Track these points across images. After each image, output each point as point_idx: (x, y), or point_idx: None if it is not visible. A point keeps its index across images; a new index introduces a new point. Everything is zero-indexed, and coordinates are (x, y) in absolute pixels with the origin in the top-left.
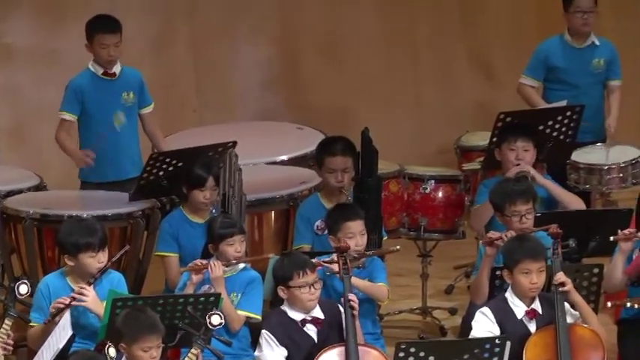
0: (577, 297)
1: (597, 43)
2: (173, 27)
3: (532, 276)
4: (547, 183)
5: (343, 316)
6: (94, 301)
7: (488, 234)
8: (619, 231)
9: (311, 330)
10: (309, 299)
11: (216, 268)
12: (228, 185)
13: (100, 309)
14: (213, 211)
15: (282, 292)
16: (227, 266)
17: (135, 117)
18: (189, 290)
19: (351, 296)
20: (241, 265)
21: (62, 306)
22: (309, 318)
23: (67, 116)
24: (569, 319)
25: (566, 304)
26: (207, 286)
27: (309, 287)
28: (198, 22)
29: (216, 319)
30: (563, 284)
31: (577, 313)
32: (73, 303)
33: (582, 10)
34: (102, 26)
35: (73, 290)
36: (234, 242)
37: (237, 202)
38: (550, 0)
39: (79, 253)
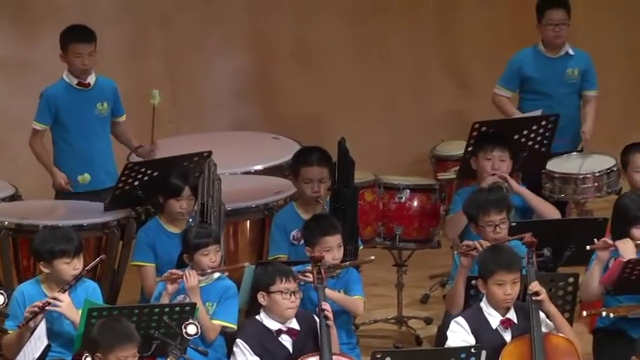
0: (551, 307)
1: (572, 53)
2: (147, 37)
3: (506, 287)
4: (523, 191)
5: (318, 325)
6: (68, 306)
7: (463, 243)
8: (595, 240)
9: (286, 340)
10: (289, 307)
11: (191, 278)
12: (207, 195)
13: (75, 315)
14: (190, 220)
15: (262, 298)
16: (202, 276)
17: (109, 127)
18: (165, 300)
19: (326, 306)
20: (216, 275)
21: (37, 309)
22: (285, 328)
23: (38, 126)
24: (544, 329)
25: (542, 314)
26: (183, 295)
27: (291, 295)
28: (171, 32)
29: (192, 329)
30: (537, 293)
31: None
32: (48, 308)
33: (554, 23)
34: (76, 35)
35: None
36: (209, 252)
37: (216, 211)
38: (526, 10)
39: (55, 260)
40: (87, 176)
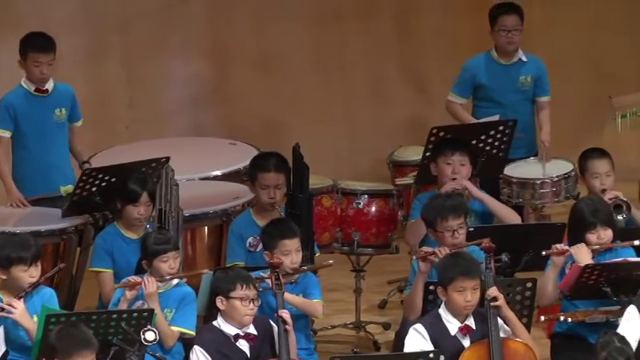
0: (508, 312)
1: (524, 59)
2: (105, 43)
3: (467, 294)
4: (483, 196)
5: (276, 331)
6: (22, 314)
7: (422, 249)
8: (552, 245)
9: (243, 345)
10: (247, 313)
11: (150, 284)
12: (165, 200)
13: (28, 322)
14: (148, 226)
15: (220, 303)
16: (161, 282)
17: (67, 133)
18: (123, 306)
19: (284, 311)
20: (175, 281)
21: None
22: (242, 333)
23: (0, 132)
24: (502, 334)
25: (500, 320)
26: (141, 301)
27: (250, 302)
28: (129, 38)
29: (150, 335)
30: (495, 299)
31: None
32: (1, 314)
33: (507, 29)
34: (36, 44)
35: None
36: (168, 258)
37: (174, 217)
38: (484, 16)
39: (11, 267)
40: (70, 187)
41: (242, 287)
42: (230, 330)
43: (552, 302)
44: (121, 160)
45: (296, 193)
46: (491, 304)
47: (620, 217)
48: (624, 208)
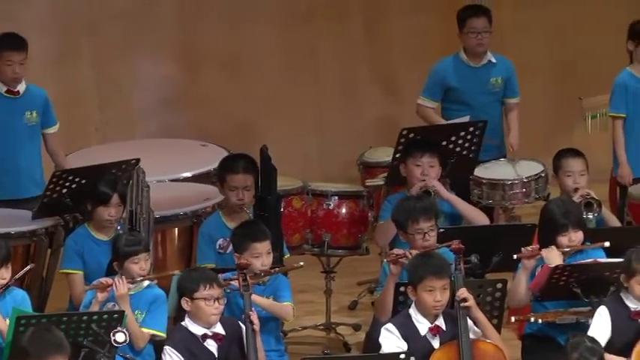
0: (478, 313)
1: (494, 61)
2: (75, 45)
3: (436, 293)
4: (452, 198)
5: (244, 332)
6: None
7: (392, 251)
8: (522, 249)
9: (212, 345)
10: (212, 313)
11: (121, 286)
12: (136, 202)
13: (1, 324)
14: (119, 228)
15: (185, 304)
16: (132, 284)
17: (38, 136)
18: (95, 308)
19: (251, 312)
20: (146, 283)
21: None
22: (210, 333)
23: None
24: (472, 335)
25: (470, 320)
26: (112, 303)
27: (214, 301)
28: (99, 39)
29: (120, 337)
30: (465, 300)
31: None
32: None
33: (476, 31)
34: (8, 43)
35: None
36: (139, 260)
37: (145, 219)
38: (454, 17)
39: None
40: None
41: (205, 287)
42: (197, 330)
43: (523, 304)
44: (91, 161)
45: (264, 195)
46: (461, 305)
47: (591, 216)
48: (595, 206)
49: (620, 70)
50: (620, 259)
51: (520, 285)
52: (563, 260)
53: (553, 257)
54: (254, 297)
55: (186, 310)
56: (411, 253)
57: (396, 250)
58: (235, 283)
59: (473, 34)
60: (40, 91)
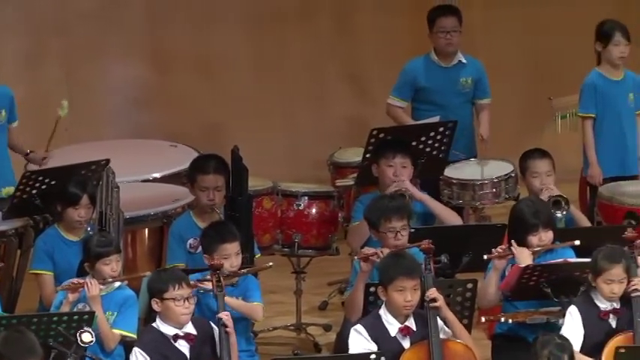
0: (448, 313)
1: (464, 61)
2: (44, 45)
3: (407, 294)
4: (425, 198)
5: (216, 333)
6: None
7: (363, 250)
8: (492, 249)
9: (183, 346)
10: (183, 313)
11: (93, 287)
12: (106, 203)
13: None
14: (89, 229)
15: (155, 305)
16: (103, 285)
17: (5, 135)
18: (65, 309)
19: (224, 313)
20: (117, 284)
21: None
22: (182, 334)
23: None
24: (442, 335)
25: (440, 320)
26: (83, 304)
27: (184, 301)
28: (69, 40)
29: (86, 337)
30: (435, 300)
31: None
32: None
33: (445, 30)
34: None
35: None
36: (110, 261)
37: (114, 219)
38: (424, 17)
39: None
40: (10, 189)
41: (175, 287)
42: (168, 331)
43: (494, 304)
44: (61, 162)
45: (235, 196)
46: (431, 305)
47: (559, 214)
48: (563, 204)
49: (590, 71)
50: (590, 259)
51: (490, 285)
52: (533, 260)
53: (523, 257)
54: (225, 298)
55: (157, 311)
56: (382, 252)
57: (367, 249)
58: (206, 284)
59: (442, 33)
60: (5, 89)
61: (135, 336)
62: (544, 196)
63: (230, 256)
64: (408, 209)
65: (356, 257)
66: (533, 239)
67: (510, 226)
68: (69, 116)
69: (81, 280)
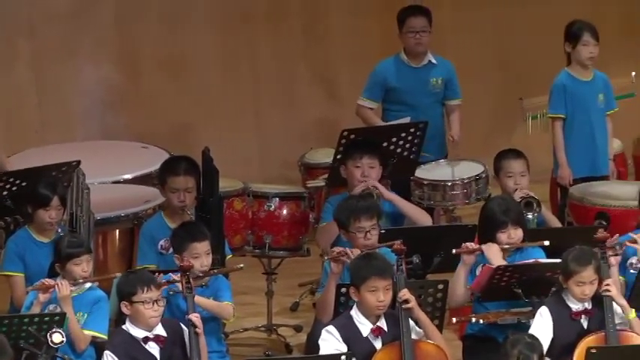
0: (420, 314)
1: (434, 61)
2: (13, 47)
3: (379, 294)
4: (394, 198)
5: (187, 334)
6: None
7: (334, 249)
8: (462, 244)
9: (153, 348)
10: (152, 316)
11: (64, 288)
12: (76, 204)
13: None
14: (60, 230)
15: (125, 308)
16: (74, 285)
17: None
18: (36, 310)
19: (194, 314)
20: (88, 285)
21: None
22: (152, 336)
23: None
24: (414, 336)
25: (411, 321)
26: (54, 305)
27: (153, 303)
28: (38, 42)
29: (57, 337)
30: (407, 301)
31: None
32: None
33: (415, 30)
34: None
35: None
36: (81, 262)
37: (85, 221)
38: (393, 18)
39: None
40: None
41: (143, 290)
42: (138, 333)
43: (462, 303)
44: (31, 164)
45: (206, 197)
46: (403, 306)
47: (530, 216)
48: (535, 206)
49: (560, 71)
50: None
51: (459, 282)
52: (503, 258)
53: (493, 253)
54: (195, 297)
55: (126, 314)
56: (352, 252)
57: (337, 248)
58: (177, 284)
59: (412, 33)
60: None
61: (105, 337)
62: (517, 197)
63: (200, 255)
64: (377, 209)
65: (326, 258)
66: (502, 236)
67: (480, 225)
68: (39, 118)
69: (51, 281)
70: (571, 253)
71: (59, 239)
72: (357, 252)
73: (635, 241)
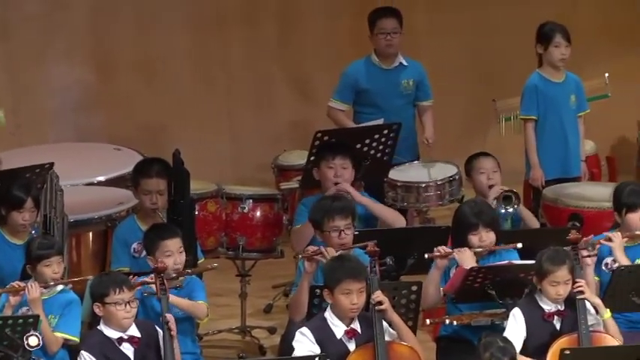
0: (394, 316)
1: (405, 63)
2: None
3: (353, 296)
4: (366, 200)
5: (161, 335)
6: None
7: (308, 248)
8: (435, 248)
9: (127, 349)
10: (125, 317)
11: (34, 290)
12: (50, 206)
13: None
14: (33, 232)
15: (97, 309)
16: (45, 288)
17: None
18: (8, 312)
19: (169, 316)
20: (59, 287)
21: None
22: (126, 337)
23: None
24: (387, 338)
25: (385, 323)
26: (26, 307)
27: (125, 304)
28: (12, 44)
29: (33, 341)
30: (380, 303)
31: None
32: None
33: (385, 32)
34: None
35: None
36: (51, 263)
37: (59, 223)
38: (366, 21)
39: None
40: None
41: (116, 292)
42: (113, 334)
43: (434, 304)
44: (5, 166)
45: (177, 199)
46: (376, 307)
47: (510, 209)
48: (514, 199)
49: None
50: (534, 261)
51: (432, 284)
52: (477, 261)
53: (465, 258)
54: (170, 296)
55: (99, 315)
56: (327, 250)
57: (311, 247)
58: (151, 286)
59: (382, 34)
60: None
61: (77, 339)
62: (494, 192)
63: (172, 253)
64: (352, 208)
65: (300, 256)
66: (474, 239)
67: (453, 227)
68: (13, 120)
69: (22, 283)
70: (545, 253)
71: (30, 241)
72: (332, 251)
73: (609, 239)
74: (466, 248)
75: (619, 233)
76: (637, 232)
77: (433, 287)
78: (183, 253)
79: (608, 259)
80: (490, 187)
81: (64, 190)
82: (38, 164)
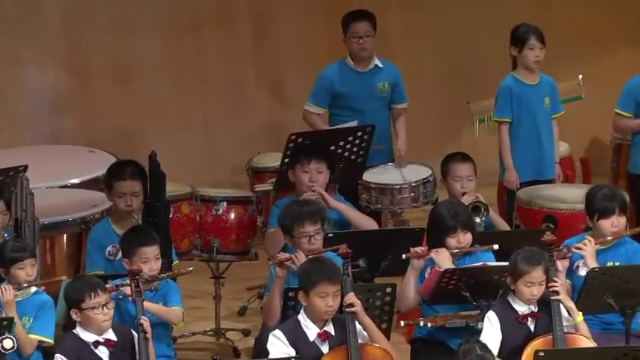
0: (365, 318)
1: (380, 66)
2: None
3: (328, 299)
4: (339, 206)
5: (136, 339)
6: None
7: (278, 255)
8: (411, 248)
9: (103, 352)
10: (103, 320)
11: (7, 292)
12: (21, 210)
13: None
14: (6, 235)
15: (75, 315)
16: (19, 290)
17: None
18: None
19: (143, 319)
20: (33, 289)
21: None
22: (102, 340)
23: None
24: (361, 340)
25: (359, 325)
26: (0, 310)
27: (102, 308)
28: None
29: (8, 343)
30: (352, 305)
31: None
32: None
33: (358, 35)
34: None
35: None
36: (24, 266)
37: (30, 226)
38: (339, 23)
39: None
40: None
41: (91, 296)
42: (89, 337)
43: (412, 306)
44: None
45: (153, 201)
46: (348, 310)
47: (478, 220)
48: (482, 210)
49: (507, 75)
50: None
51: (408, 286)
52: (453, 262)
53: (443, 258)
54: (145, 304)
55: (77, 321)
56: (297, 257)
57: (282, 254)
58: (126, 289)
59: (355, 38)
60: None
61: (52, 341)
62: (465, 201)
63: (149, 259)
64: (322, 213)
65: (271, 263)
66: (452, 241)
67: (429, 229)
68: None
69: None
70: (520, 253)
71: (3, 244)
72: (302, 257)
73: (579, 248)
74: (443, 249)
75: (592, 240)
76: (608, 238)
77: (411, 289)
78: (160, 260)
79: (580, 262)
80: (463, 194)
81: (39, 192)
82: (12, 167)
